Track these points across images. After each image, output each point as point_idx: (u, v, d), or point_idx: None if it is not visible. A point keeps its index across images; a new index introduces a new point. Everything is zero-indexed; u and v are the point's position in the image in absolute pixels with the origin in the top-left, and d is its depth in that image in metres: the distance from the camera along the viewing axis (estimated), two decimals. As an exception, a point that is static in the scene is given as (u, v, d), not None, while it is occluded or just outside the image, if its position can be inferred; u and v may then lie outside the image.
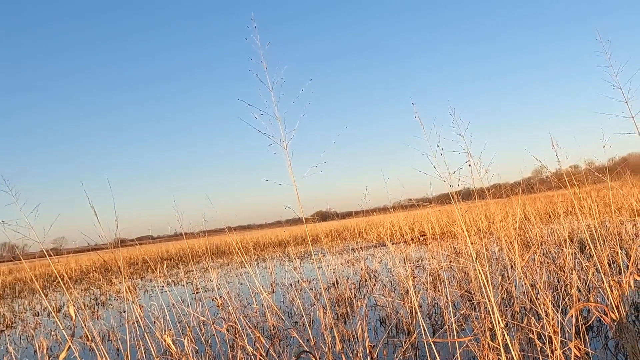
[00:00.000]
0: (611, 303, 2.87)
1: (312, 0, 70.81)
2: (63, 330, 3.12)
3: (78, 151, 73.36)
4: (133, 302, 4.76)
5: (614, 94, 3.47)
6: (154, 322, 4.98)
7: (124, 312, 7.11)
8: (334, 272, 7.21)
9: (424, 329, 2.76)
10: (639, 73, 3.44)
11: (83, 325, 4.78)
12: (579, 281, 3.80)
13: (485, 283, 2.42)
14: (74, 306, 3.23)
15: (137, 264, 19.56)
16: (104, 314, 8.59)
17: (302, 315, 5.14)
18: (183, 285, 10.46)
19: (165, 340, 4.11)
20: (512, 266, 5.43)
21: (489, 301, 2.44)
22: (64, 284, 15.42)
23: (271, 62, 2.71)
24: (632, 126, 3.52)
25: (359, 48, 72.30)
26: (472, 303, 4.74)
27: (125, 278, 13.52)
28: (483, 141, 3.40)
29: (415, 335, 3.99)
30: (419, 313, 2.63)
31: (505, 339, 2.40)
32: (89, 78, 73.62)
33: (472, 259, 2.69)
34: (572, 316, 2.89)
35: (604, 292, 2.96)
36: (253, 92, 2.77)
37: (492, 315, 2.42)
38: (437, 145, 2.41)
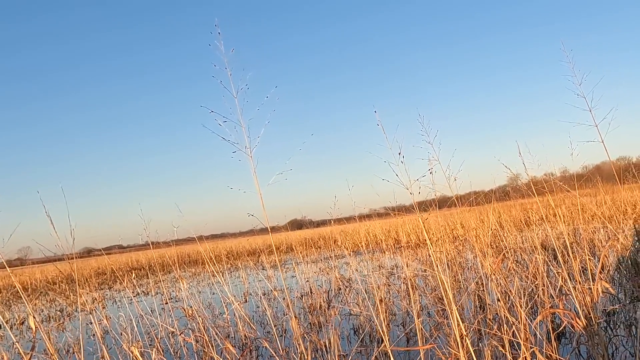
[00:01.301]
0: (579, 310, 2.88)
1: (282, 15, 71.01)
2: (17, 345, 2.95)
3: (46, 160, 71.42)
4: (91, 313, 4.58)
5: (579, 102, 3.52)
6: (121, 334, 4.81)
7: (91, 323, 6.86)
8: (307, 281, 7.13)
9: (386, 338, 2.71)
10: (602, 82, 3.51)
11: (45, 338, 4.58)
12: (550, 288, 3.82)
13: (447, 291, 2.39)
14: (35, 318, 3.07)
15: (105, 273, 19.04)
16: (69, 325, 8.28)
17: (274, 325, 5.03)
18: (153, 296, 10.21)
19: (132, 352, 3.96)
20: (486, 273, 5.45)
21: (450, 310, 2.42)
22: (27, 296, 14.88)
23: (236, 69, 2.65)
24: (599, 135, 3.58)
25: (332, 58, 72.77)
26: (445, 311, 4.74)
27: (90, 289, 13.12)
28: (452, 149, 3.41)
29: (384, 344, 3.95)
30: (382, 323, 2.58)
31: (468, 347, 2.37)
32: (60, 89, 71.94)
33: (436, 268, 2.67)
34: (539, 323, 2.89)
35: (575, 299, 2.97)
36: (218, 100, 2.70)
37: (452, 322, 2.39)
38: (399, 154, 2.41)
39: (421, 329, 3.79)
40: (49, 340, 3.23)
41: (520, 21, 65.42)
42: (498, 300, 3.76)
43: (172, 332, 5.14)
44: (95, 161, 72.61)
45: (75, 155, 71.61)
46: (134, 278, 8.24)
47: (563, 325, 3.00)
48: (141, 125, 72.27)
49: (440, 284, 4.77)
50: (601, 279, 3.10)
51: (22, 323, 9.36)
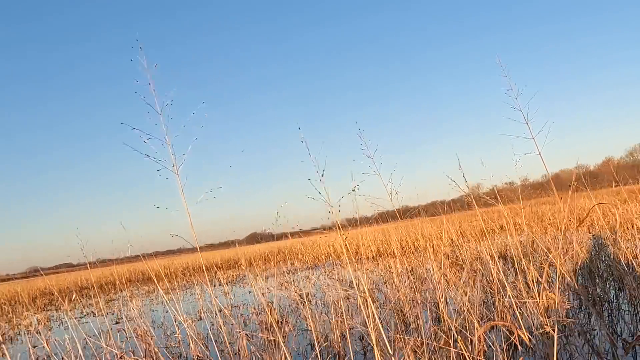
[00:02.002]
0: (528, 319, 2.89)
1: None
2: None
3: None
4: (27, 338, 4.27)
5: (516, 115, 3.60)
6: (62, 359, 4.52)
7: (34, 347, 6.42)
8: (264, 296, 6.95)
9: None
10: (538, 96, 3.60)
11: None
12: (505, 298, 3.84)
13: (372, 313, 2.35)
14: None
15: (52, 294, 18.09)
16: (11, 349, 7.74)
17: (229, 343, 4.81)
18: (105, 316, 9.73)
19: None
20: (447, 284, 5.46)
21: (370, 331, 2.38)
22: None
23: (160, 85, 2.54)
24: (536, 147, 3.66)
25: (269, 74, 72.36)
26: (404, 324, 4.70)
27: (34, 310, 12.41)
28: (394, 163, 3.41)
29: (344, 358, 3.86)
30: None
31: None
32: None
33: (357, 289, 2.63)
34: (481, 336, 2.86)
35: (527, 309, 2.97)
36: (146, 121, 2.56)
37: (374, 346, 2.33)
38: (317, 172, 2.42)
39: (378, 343, 3.71)
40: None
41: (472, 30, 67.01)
42: (457, 312, 3.75)
43: (120, 356, 4.86)
44: (48, 177, 69.55)
45: (29, 169, 68.53)
46: (74, 299, 7.81)
47: (514, 336, 2.99)
48: (108, 138, 69.70)
49: (403, 296, 4.72)
50: (545, 288, 3.13)
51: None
